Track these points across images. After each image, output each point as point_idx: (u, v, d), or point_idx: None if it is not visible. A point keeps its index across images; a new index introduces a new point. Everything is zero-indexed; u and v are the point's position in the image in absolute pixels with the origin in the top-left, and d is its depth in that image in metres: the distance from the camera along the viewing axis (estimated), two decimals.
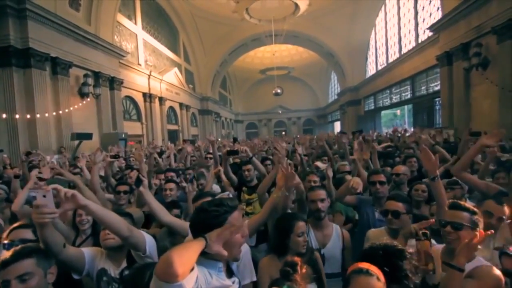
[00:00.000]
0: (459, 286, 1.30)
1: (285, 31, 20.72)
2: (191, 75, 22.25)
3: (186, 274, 0.93)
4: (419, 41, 13.72)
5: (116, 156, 3.71)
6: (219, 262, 1.20)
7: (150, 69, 15.24)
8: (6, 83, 7.36)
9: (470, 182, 2.40)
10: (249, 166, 3.32)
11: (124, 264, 1.63)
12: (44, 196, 1.24)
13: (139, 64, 14.32)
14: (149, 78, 14.89)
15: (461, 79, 9.41)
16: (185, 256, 0.95)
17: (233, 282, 1.25)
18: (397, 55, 16.48)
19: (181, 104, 19.19)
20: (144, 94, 14.60)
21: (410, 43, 15.21)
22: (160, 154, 5.81)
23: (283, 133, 31.07)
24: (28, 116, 7.50)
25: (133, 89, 13.65)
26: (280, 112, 34.95)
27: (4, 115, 7.08)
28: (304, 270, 1.28)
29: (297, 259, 1.31)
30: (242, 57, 25.66)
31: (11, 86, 7.41)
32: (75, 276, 1.60)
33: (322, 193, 2.25)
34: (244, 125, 36.54)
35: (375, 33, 20.05)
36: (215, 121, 25.61)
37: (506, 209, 1.73)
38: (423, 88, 13.91)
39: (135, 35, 14.41)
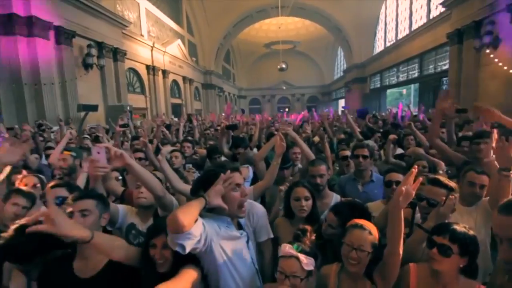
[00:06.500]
0: (417, 240, 1.53)
1: (292, 2, 19.98)
2: (194, 48, 21.80)
3: (191, 224, 1.13)
4: (431, 17, 13.26)
5: (125, 125, 3.83)
6: (227, 217, 1.42)
7: (153, 40, 14.95)
8: (11, 52, 7.31)
9: (440, 148, 2.52)
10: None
11: (151, 221, 1.85)
12: (98, 153, 1.45)
13: (141, 35, 14.03)
14: (152, 50, 14.65)
15: (471, 58, 9.22)
16: (187, 212, 1.14)
17: (241, 234, 1.47)
18: (407, 31, 15.97)
19: (184, 78, 18.99)
20: (147, 67, 14.44)
21: (421, 18, 14.69)
22: (167, 127, 5.92)
23: (287, 109, 30.88)
24: (35, 86, 7.54)
25: (137, 61, 13.49)
26: (284, 88, 34.50)
27: (13, 85, 7.14)
28: (313, 237, 1.49)
29: (307, 226, 1.53)
30: (247, 29, 24.96)
31: (16, 55, 7.36)
32: (108, 228, 1.81)
33: (322, 169, 2.33)
34: (247, 100, 36.22)
35: (386, 7, 19.29)
36: (219, 96, 25.43)
37: (485, 178, 1.87)
38: (431, 67, 13.64)
39: (137, 4, 13.99)
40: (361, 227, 1.42)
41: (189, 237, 1.12)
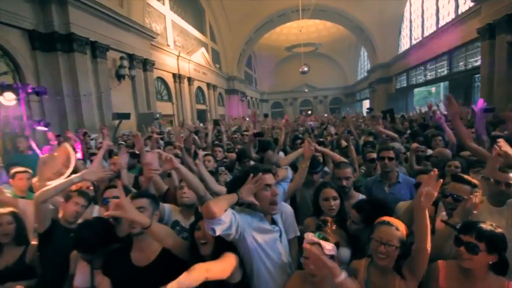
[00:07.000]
0: (444, 236, 1.61)
1: (313, 5, 19.98)
2: (217, 55, 22.38)
3: (221, 212, 1.33)
4: (459, 12, 12.77)
5: (161, 133, 4.12)
6: (260, 213, 1.60)
7: (179, 49, 15.58)
8: (53, 67, 7.99)
9: (475, 150, 2.50)
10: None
11: (192, 218, 2.04)
12: (152, 157, 1.77)
13: (168, 45, 14.68)
14: (178, 59, 15.27)
15: (504, 54, 8.80)
16: (218, 202, 1.36)
17: (273, 228, 1.64)
18: (434, 28, 15.47)
19: (208, 84, 19.55)
20: (174, 75, 15.07)
21: (448, 14, 14.18)
22: (195, 133, 6.20)
23: (309, 112, 30.71)
24: (76, 97, 8.18)
25: (164, 70, 14.13)
26: (306, 90, 34.32)
27: (58, 97, 7.80)
28: (334, 227, 1.63)
29: (328, 218, 1.67)
30: (267, 34, 25.23)
31: (57, 70, 8.02)
32: None
33: (348, 171, 2.41)
34: (270, 104, 36.43)
35: (410, 4, 18.77)
36: (241, 101, 25.84)
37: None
38: (461, 64, 13.11)
39: (163, 16, 14.68)
40: (388, 223, 1.51)
41: (219, 223, 1.32)
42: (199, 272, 1.16)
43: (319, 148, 3.02)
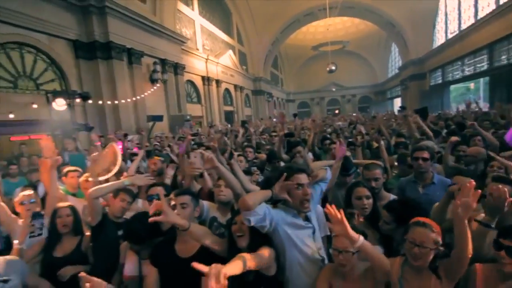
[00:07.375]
0: (479, 235, 1.58)
1: (340, 3, 19.60)
2: (244, 56, 22.68)
3: (255, 205, 1.46)
4: (500, 3, 11.93)
5: (195, 134, 4.32)
6: (294, 210, 1.69)
7: (207, 53, 16.02)
8: (94, 74, 8.61)
9: None
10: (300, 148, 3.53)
11: (229, 215, 2.18)
12: (195, 157, 1.95)
13: (197, 49, 15.16)
14: (206, 62, 15.71)
15: None
16: (253, 197, 1.51)
17: (306, 225, 1.73)
18: (472, 20, 14.57)
19: (235, 86, 19.90)
20: (202, 78, 15.53)
21: (488, 5, 13.30)
22: (225, 134, 6.39)
23: (336, 111, 30.06)
24: (115, 101, 8.75)
25: (193, 73, 14.61)
26: (334, 89, 33.66)
27: (100, 102, 8.39)
28: (361, 219, 1.73)
29: (355, 211, 1.80)
30: (294, 34, 25.12)
31: (98, 76, 8.63)
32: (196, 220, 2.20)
33: (377, 173, 2.39)
34: (296, 104, 36.20)
35: None
36: (267, 101, 25.94)
37: None
38: (503, 57, 12.24)
39: (193, 21, 15.19)
40: (423, 224, 1.49)
41: (254, 214, 1.46)
42: (242, 260, 1.28)
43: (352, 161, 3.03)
